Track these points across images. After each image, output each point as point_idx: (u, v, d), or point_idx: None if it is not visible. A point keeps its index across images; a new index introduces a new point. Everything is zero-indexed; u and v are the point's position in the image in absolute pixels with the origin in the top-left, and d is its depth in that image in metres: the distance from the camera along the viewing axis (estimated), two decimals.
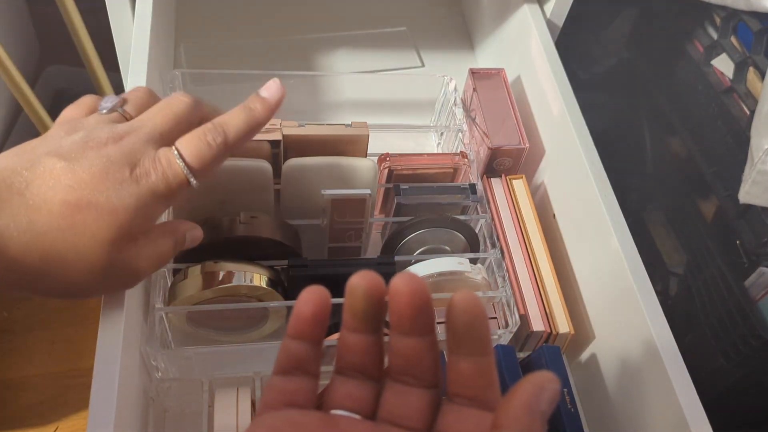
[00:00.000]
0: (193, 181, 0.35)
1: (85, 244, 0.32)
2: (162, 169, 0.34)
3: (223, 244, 0.46)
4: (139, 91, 0.40)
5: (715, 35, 0.65)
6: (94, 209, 0.32)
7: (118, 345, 0.38)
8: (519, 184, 0.60)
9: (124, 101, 0.38)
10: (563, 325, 0.52)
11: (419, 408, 0.24)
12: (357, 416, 0.25)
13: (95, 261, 0.33)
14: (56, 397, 0.90)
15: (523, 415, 0.21)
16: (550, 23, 0.65)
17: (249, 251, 0.47)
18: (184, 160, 0.35)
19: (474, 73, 0.64)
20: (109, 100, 0.38)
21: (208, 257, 0.46)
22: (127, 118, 0.37)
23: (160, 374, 0.46)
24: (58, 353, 0.94)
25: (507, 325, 0.50)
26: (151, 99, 0.39)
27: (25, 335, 0.94)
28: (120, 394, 0.37)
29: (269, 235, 0.47)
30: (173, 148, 0.35)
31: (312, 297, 0.25)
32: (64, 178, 0.32)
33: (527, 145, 0.59)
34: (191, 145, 0.35)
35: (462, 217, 0.54)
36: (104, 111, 0.37)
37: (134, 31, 0.56)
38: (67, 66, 1.10)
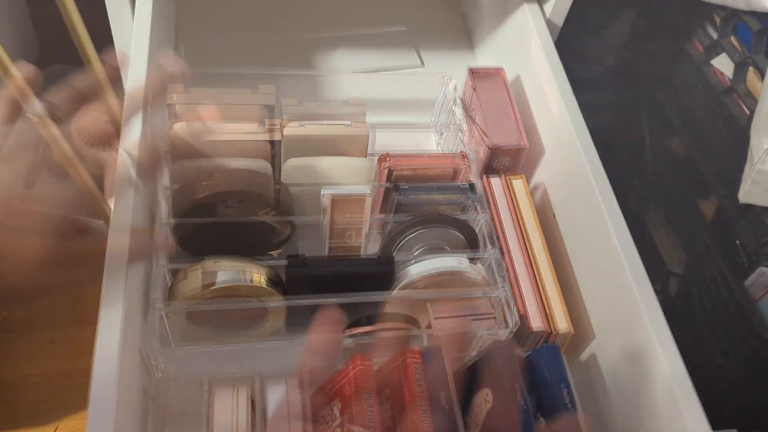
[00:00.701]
0: None
1: None
2: None
3: (210, 226, 0.47)
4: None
5: (715, 35, 0.65)
6: None
7: (117, 344, 0.38)
8: (519, 184, 0.60)
9: None
10: (563, 325, 0.52)
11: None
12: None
13: None
14: (56, 397, 0.90)
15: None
16: (549, 23, 0.65)
17: (237, 233, 0.47)
18: None
19: (474, 72, 0.64)
20: None
21: (203, 244, 0.47)
22: None
23: (159, 373, 0.46)
24: (58, 353, 0.94)
25: (507, 324, 0.50)
26: None
27: (25, 335, 0.94)
28: (119, 394, 0.37)
29: (231, 188, 0.47)
30: None
31: None
32: None
33: (527, 145, 0.59)
34: None
35: (462, 217, 0.54)
36: None
37: (134, 31, 0.56)
38: (67, 66, 1.11)
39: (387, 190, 0.56)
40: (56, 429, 0.87)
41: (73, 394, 0.89)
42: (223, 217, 0.48)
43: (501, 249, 0.54)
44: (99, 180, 0.39)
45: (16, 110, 0.37)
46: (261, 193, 0.49)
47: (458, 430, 0.47)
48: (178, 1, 0.76)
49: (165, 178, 0.49)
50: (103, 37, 0.75)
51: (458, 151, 0.58)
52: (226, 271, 0.46)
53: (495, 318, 0.51)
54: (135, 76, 0.52)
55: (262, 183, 0.49)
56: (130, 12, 0.61)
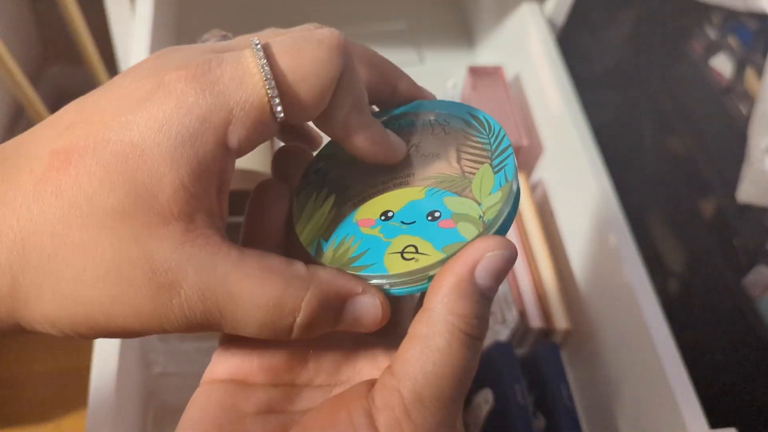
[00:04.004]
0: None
1: None
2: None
3: None
4: None
5: (713, 35, 0.65)
6: None
7: (117, 340, 0.38)
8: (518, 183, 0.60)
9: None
10: (561, 322, 0.52)
11: None
12: None
13: None
14: (58, 395, 0.91)
15: (450, 292, 0.19)
16: (549, 21, 0.65)
17: (237, 233, 0.47)
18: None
19: (473, 71, 0.64)
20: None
21: None
22: None
23: (159, 368, 0.46)
24: (60, 351, 0.94)
25: (505, 321, 0.50)
26: None
27: (26, 333, 0.94)
28: (118, 389, 0.37)
29: (230, 188, 0.47)
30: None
31: None
32: None
33: (526, 143, 0.59)
34: None
35: None
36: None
37: (134, 31, 0.57)
38: (69, 66, 1.11)
39: None
40: (58, 427, 0.87)
41: (74, 391, 0.89)
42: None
43: None
44: None
45: None
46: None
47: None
48: (178, 1, 0.76)
49: None
50: (104, 37, 0.76)
51: None
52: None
53: (494, 316, 0.51)
54: None
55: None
56: (130, 12, 0.61)
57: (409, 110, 0.25)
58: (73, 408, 0.89)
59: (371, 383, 0.20)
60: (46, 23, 1.08)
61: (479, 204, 0.22)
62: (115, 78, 0.20)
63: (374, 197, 0.23)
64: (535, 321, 0.52)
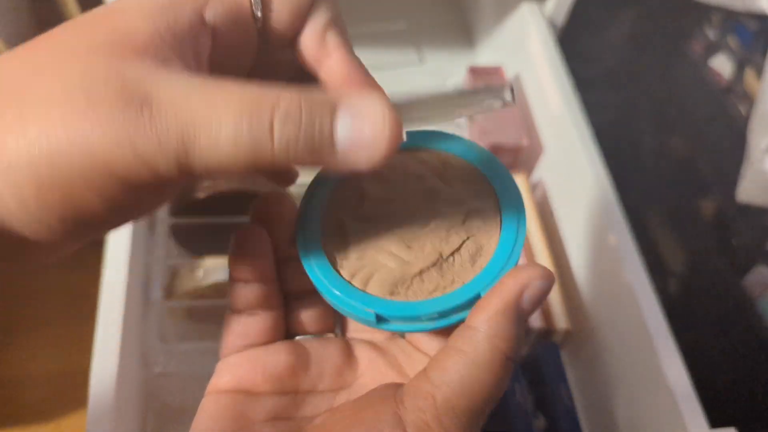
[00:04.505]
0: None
1: None
2: None
3: (210, 226, 0.47)
4: None
5: (713, 35, 0.65)
6: None
7: (117, 340, 0.38)
8: (518, 181, 0.60)
9: None
10: (561, 322, 0.52)
11: None
12: (331, 335, 0.24)
13: None
14: (58, 395, 0.90)
15: (496, 315, 0.19)
16: (549, 21, 0.65)
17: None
18: None
19: (473, 71, 0.64)
20: None
21: (203, 243, 0.47)
22: None
23: (159, 368, 0.46)
24: (61, 351, 0.94)
25: None
26: None
27: (28, 332, 0.94)
28: (118, 389, 0.37)
29: (231, 188, 0.47)
30: None
31: (244, 239, 0.23)
32: None
33: (526, 142, 0.59)
34: None
35: None
36: None
37: None
38: None
39: None
40: (58, 427, 0.87)
41: (75, 391, 0.89)
42: (223, 216, 0.48)
43: None
44: None
45: None
46: (261, 192, 0.49)
47: None
48: None
49: None
50: None
51: None
52: (227, 268, 0.46)
53: None
54: None
55: (262, 182, 0.49)
56: None
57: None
58: (73, 408, 0.89)
59: (396, 386, 0.20)
60: (46, 23, 1.08)
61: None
62: None
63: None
64: (535, 321, 0.52)
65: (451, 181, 0.23)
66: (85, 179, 0.16)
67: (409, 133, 0.20)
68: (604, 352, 0.51)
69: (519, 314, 0.20)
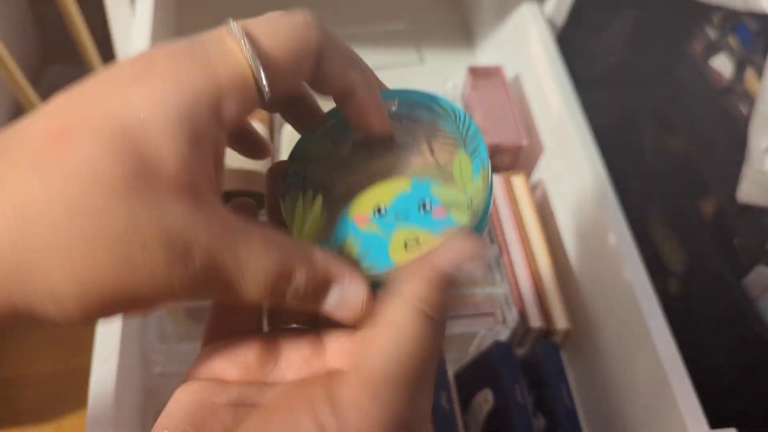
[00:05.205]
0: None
1: None
2: None
3: None
4: None
5: (713, 35, 0.65)
6: None
7: (117, 340, 0.38)
8: (518, 181, 0.60)
9: None
10: (561, 322, 0.52)
11: None
12: (299, 326, 0.25)
13: None
14: (58, 395, 0.90)
15: (420, 280, 0.20)
16: (549, 21, 0.65)
17: None
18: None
19: (473, 71, 0.64)
20: None
21: None
22: None
23: (159, 368, 0.46)
24: (61, 351, 0.94)
25: (505, 321, 0.50)
26: None
27: (27, 333, 0.94)
28: (118, 389, 0.37)
29: (230, 188, 0.48)
30: None
31: None
32: None
33: (526, 142, 0.59)
34: None
35: None
36: None
37: (134, 31, 0.57)
38: (69, 66, 1.11)
39: None
40: (58, 427, 0.87)
41: (75, 392, 0.89)
42: None
43: (500, 246, 0.54)
44: None
45: None
46: (261, 192, 0.49)
47: (458, 430, 0.47)
48: (178, 1, 0.76)
49: None
50: (103, 37, 0.76)
51: None
52: None
53: (494, 316, 0.51)
54: None
55: (262, 182, 0.49)
56: (130, 12, 0.61)
57: None
58: (73, 408, 0.89)
59: (335, 369, 0.21)
60: (45, 23, 1.08)
61: (465, 190, 0.23)
62: (100, 70, 0.21)
63: (362, 193, 0.24)
64: (535, 321, 0.52)
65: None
66: (127, 307, 0.19)
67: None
68: (604, 352, 0.51)
69: (443, 278, 0.20)
